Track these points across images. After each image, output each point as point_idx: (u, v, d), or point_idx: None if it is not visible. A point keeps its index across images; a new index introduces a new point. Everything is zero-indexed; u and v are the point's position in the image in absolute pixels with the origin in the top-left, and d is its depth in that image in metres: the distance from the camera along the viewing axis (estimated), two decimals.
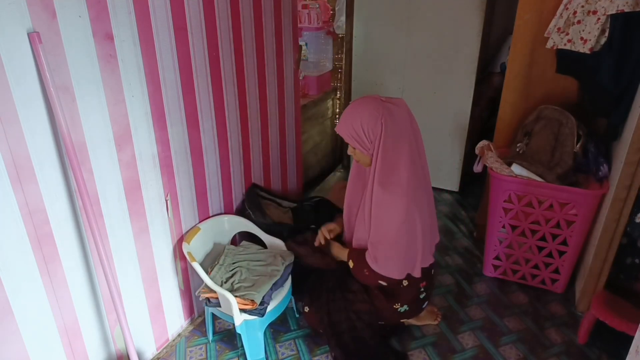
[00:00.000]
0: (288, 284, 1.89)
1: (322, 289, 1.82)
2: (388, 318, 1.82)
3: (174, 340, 1.95)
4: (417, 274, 1.69)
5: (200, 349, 1.91)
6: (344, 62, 3.24)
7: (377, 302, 1.77)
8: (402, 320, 1.92)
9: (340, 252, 1.85)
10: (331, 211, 2.39)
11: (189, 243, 1.82)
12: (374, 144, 1.58)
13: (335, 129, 1.67)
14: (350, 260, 1.76)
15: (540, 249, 2.14)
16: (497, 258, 2.26)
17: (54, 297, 1.38)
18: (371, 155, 1.61)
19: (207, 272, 1.77)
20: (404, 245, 1.62)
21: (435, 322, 2.02)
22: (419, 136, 1.64)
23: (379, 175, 1.59)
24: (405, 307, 1.77)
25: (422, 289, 1.78)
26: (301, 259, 1.95)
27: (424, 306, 1.85)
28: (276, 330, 1.99)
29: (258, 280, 1.78)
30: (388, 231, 1.60)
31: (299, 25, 2.85)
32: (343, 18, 3.12)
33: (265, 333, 1.94)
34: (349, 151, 1.68)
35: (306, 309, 1.88)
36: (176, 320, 1.94)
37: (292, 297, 2.04)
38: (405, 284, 1.73)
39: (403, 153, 1.57)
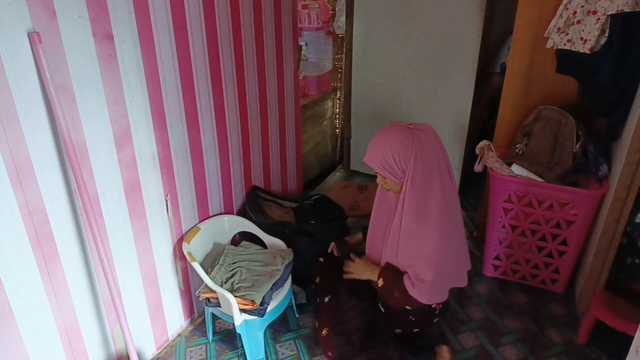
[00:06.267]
0: (288, 284, 1.89)
1: (342, 313, 1.75)
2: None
3: (174, 340, 1.95)
4: (444, 298, 1.68)
5: (200, 349, 1.91)
6: (344, 62, 3.24)
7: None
8: None
9: (369, 268, 1.77)
10: (330, 207, 2.40)
11: (189, 243, 1.82)
12: (405, 172, 1.57)
13: (364, 160, 1.64)
14: (381, 279, 1.69)
15: (540, 249, 2.14)
16: (497, 258, 2.26)
17: (54, 297, 1.38)
18: (402, 183, 1.59)
19: (207, 272, 1.78)
20: (440, 273, 1.60)
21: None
22: (448, 161, 1.63)
23: (410, 204, 1.57)
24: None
25: (437, 312, 1.75)
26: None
27: (434, 321, 1.82)
28: (276, 330, 1.99)
29: (258, 280, 1.78)
30: (421, 259, 1.59)
31: (299, 25, 2.85)
32: (343, 18, 3.12)
33: (265, 333, 1.94)
34: (379, 180, 1.65)
35: (324, 332, 1.73)
36: (176, 320, 1.94)
37: (292, 297, 2.04)
38: (425, 308, 1.70)
39: (434, 180, 1.56)
